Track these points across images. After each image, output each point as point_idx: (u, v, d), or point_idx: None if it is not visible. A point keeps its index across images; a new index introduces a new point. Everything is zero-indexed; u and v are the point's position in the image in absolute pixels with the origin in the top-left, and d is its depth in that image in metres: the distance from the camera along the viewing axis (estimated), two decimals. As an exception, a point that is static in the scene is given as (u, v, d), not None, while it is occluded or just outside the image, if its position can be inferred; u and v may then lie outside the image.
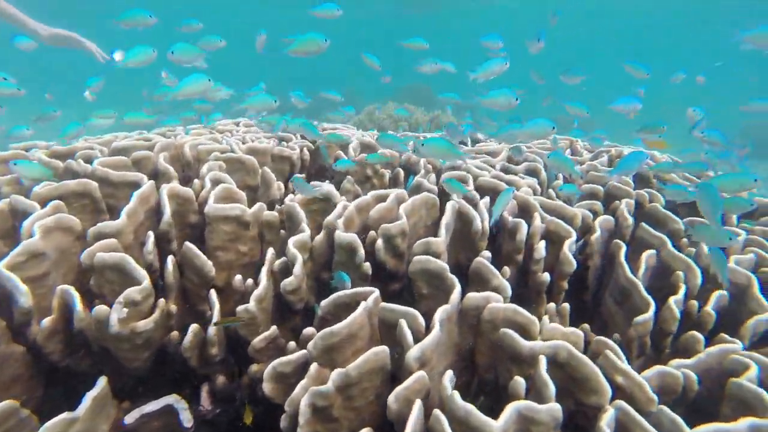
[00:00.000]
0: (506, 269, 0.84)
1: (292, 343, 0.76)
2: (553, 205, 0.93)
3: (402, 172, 1.26)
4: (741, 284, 0.86)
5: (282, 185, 1.11)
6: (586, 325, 0.83)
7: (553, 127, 1.28)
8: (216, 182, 0.92)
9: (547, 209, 0.94)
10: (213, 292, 0.77)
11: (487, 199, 0.90)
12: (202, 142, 1.09)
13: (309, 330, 0.75)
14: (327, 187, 0.96)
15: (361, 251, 0.80)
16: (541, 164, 1.21)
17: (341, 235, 0.80)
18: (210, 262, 0.79)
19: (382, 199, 0.89)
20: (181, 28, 2.01)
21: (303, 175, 1.20)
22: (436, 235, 0.83)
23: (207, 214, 0.82)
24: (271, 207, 1.02)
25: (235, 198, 0.92)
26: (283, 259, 0.82)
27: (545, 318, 0.74)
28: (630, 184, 1.13)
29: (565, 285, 0.82)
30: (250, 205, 0.97)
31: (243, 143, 1.23)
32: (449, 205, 0.84)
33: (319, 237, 0.85)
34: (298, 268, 0.76)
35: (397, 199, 0.89)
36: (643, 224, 0.95)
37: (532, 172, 1.19)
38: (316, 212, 0.95)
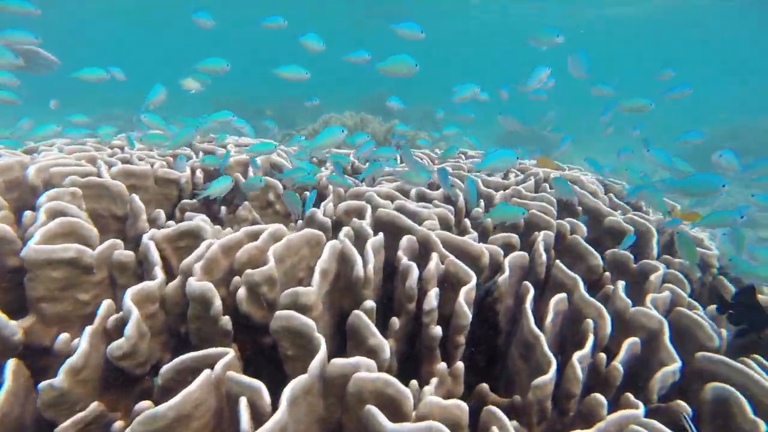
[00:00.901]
0: (395, 321, 0.73)
1: (117, 424, 0.61)
2: (457, 241, 0.83)
3: (313, 195, 1.13)
4: (653, 329, 0.78)
5: (162, 215, 0.95)
6: (485, 386, 0.73)
7: (517, 157, 1.18)
8: (54, 214, 0.76)
9: (451, 246, 0.83)
10: (10, 363, 0.61)
11: (380, 236, 0.78)
12: (62, 163, 0.93)
13: (142, 405, 0.60)
14: (197, 219, 0.81)
15: (217, 303, 0.66)
16: (460, 189, 1.12)
17: (192, 283, 0.66)
18: (12, 324, 0.63)
19: (255, 236, 0.76)
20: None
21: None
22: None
23: (24, 259, 0.67)
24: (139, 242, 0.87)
25: (80, 234, 0.76)
26: (121, 314, 0.67)
27: (427, 387, 0.62)
28: (552, 213, 1.04)
29: (461, 340, 0.71)
30: (121, 239, 0.82)
31: (125, 162, 1.06)
32: (328, 247, 0.72)
33: (174, 284, 0.71)
34: (131, 328, 0.61)
35: (272, 237, 0.75)
36: (558, 263, 0.86)
37: (448, 199, 1.09)
38: (185, 250, 0.80)
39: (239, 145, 1.42)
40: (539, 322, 0.76)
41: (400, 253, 0.78)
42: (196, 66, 1.85)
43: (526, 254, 0.88)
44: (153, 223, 0.96)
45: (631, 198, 1.20)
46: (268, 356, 0.73)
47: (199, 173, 1.09)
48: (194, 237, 0.79)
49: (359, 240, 0.82)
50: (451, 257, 0.77)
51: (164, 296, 0.70)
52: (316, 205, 1.14)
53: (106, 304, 0.66)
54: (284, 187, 1.19)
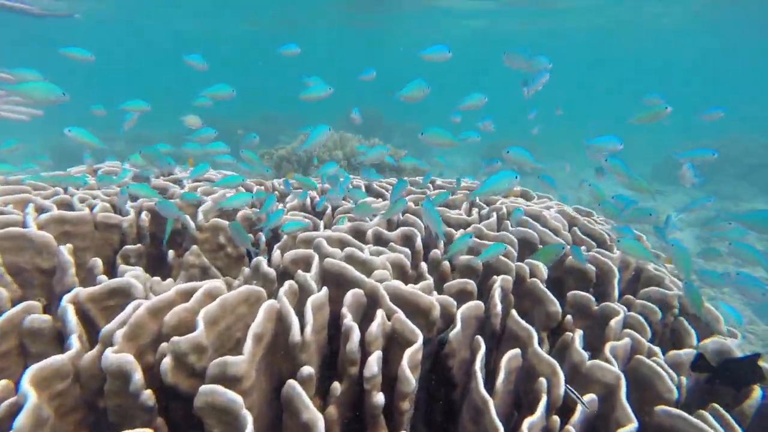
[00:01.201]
0: (336, 387, 0.68)
1: None
2: (407, 293, 0.79)
3: (263, 237, 1.09)
4: (610, 384, 0.75)
5: (99, 265, 0.89)
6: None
7: (517, 177, 1.15)
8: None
9: (400, 299, 0.79)
10: None
11: (322, 292, 0.74)
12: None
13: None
14: (128, 274, 0.76)
15: (137, 377, 0.61)
16: (419, 229, 1.08)
17: (108, 356, 0.60)
18: None
19: (189, 295, 0.71)
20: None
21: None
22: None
23: None
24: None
25: (-7, 296, 0.70)
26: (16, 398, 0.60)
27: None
28: (512, 255, 1.01)
29: (406, 406, 0.67)
30: (46, 296, 0.75)
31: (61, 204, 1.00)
32: (263, 308, 0.67)
33: (91, 354, 0.65)
34: (23, 419, 0.55)
35: (208, 296, 0.70)
36: (513, 313, 0.83)
37: (407, 240, 1.05)
38: (113, 310, 0.74)
39: (199, 181, 1.37)
40: (493, 379, 0.73)
41: (344, 310, 0.73)
42: (202, 93, 1.87)
43: (480, 304, 0.84)
44: (89, 273, 0.90)
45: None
46: (201, 426, 0.68)
47: (144, 215, 1.03)
48: (124, 295, 0.73)
49: (304, 294, 0.77)
50: (398, 314, 0.73)
51: (79, 369, 0.64)
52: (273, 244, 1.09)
53: (1, 385, 0.60)
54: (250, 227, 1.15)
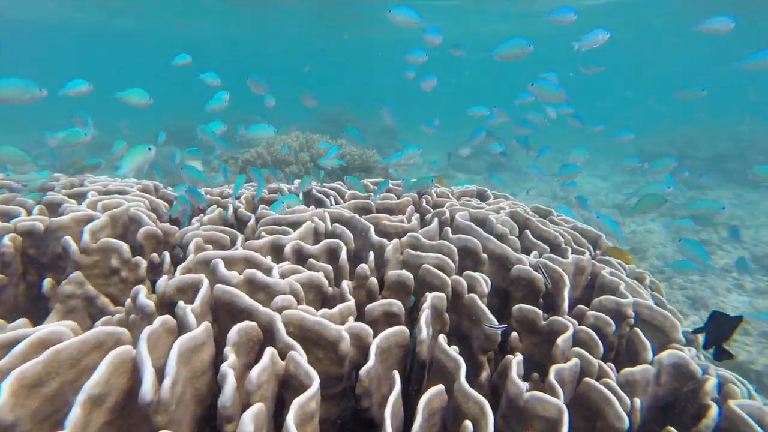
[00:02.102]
0: (206, 452, 0.54)
1: None
2: (311, 323, 0.66)
3: (167, 257, 0.94)
4: (551, 419, 0.63)
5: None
6: None
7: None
8: None
9: (304, 330, 0.66)
10: None
11: (200, 330, 0.60)
12: None
13: None
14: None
15: None
16: (346, 240, 0.96)
17: None
18: None
19: (12, 346, 0.55)
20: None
21: None
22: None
23: None
24: None
25: None
26: None
27: None
28: (450, 268, 0.89)
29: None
30: None
31: None
32: (107, 358, 0.53)
33: None
34: None
35: (40, 346, 0.55)
36: (440, 341, 0.70)
37: (331, 254, 0.92)
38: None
39: (109, 192, 1.21)
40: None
41: (226, 350, 0.60)
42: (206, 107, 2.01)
43: (402, 330, 0.72)
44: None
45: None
46: None
47: (8, 240, 0.87)
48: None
49: (183, 333, 0.63)
50: (292, 353, 0.60)
51: None
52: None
53: None
54: (174, 246, 1.00)
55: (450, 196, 1.49)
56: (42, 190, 1.19)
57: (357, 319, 0.81)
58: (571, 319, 0.84)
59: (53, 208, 1.05)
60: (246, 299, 0.66)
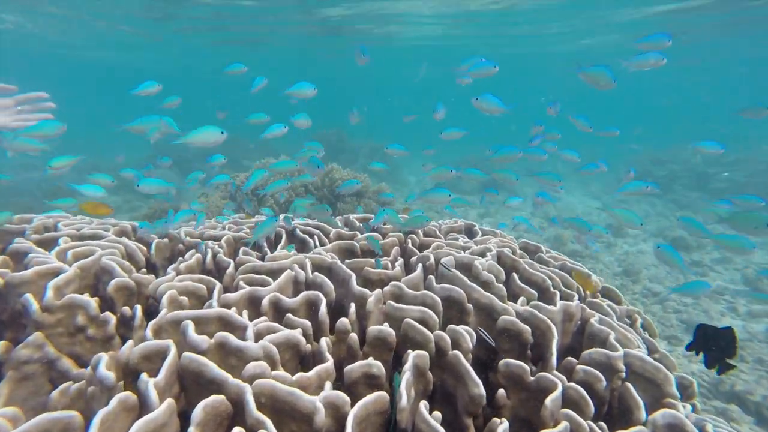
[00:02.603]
0: None
1: None
2: (283, 393, 0.62)
3: (138, 312, 0.89)
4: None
5: None
6: None
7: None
8: None
9: (276, 402, 0.62)
10: None
11: (159, 411, 0.56)
12: None
13: None
14: None
15: None
16: (326, 291, 0.92)
17: None
18: None
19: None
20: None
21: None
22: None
23: None
24: None
25: None
26: None
27: None
28: (433, 322, 0.86)
29: None
30: None
31: None
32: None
33: None
34: None
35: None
36: (421, 410, 0.66)
37: (311, 307, 0.89)
38: None
39: (84, 237, 1.17)
40: None
41: (191, 430, 0.55)
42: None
43: (382, 397, 0.68)
44: None
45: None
46: None
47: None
48: None
49: (145, 412, 0.59)
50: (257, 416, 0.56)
51: None
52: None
53: None
54: (148, 297, 0.95)
55: (437, 232, 1.47)
56: (8, 233, 1.15)
57: (336, 378, 0.77)
58: (560, 375, 0.80)
59: (18, 258, 1.01)
60: (214, 370, 0.62)
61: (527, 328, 0.87)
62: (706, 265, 4.57)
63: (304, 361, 0.80)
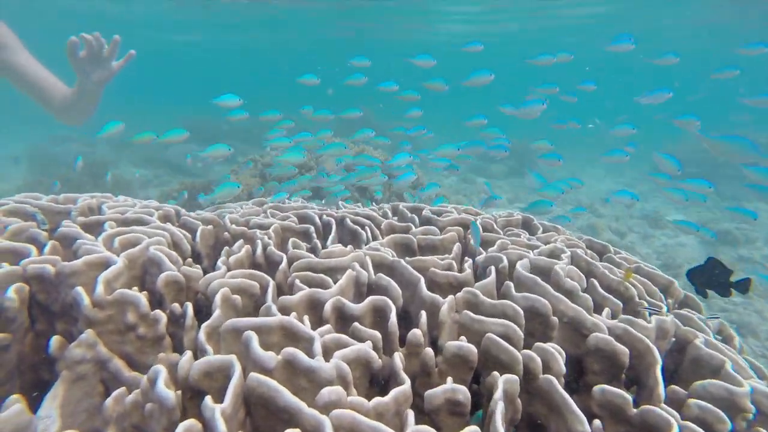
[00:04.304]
0: None
1: None
2: (366, 429, 0.53)
3: (189, 311, 0.82)
4: None
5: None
6: None
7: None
8: None
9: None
10: None
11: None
12: None
13: None
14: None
15: None
16: (394, 296, 0.83)
17: None
18: None
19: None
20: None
21: None
22: None
23: None
24: None
25: None
26: None
27: None
28: (518, 338, 0.75)
29: None
30: None
31: None
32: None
33: None
34: None
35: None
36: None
37: (378, 314, 0.79)
38: None
39: (127, 222, 1.10)
40: None
41: None
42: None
43: (476, 433, 0.59)
44: None
45: None
46: None
47: (13, 293, 0.76)
48: None
49: (209, 440, 0.51)
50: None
51: None
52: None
53: None
54: (196, 293, 0.89)
55: (494, 226, 1.35)
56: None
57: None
58: (671, 410, 0.69)
59: (67, 243, 0.95)
60: (287, 397, 0.54)
61: (624, 350, 0.76)
62: (758, 261, 4.29)
63: (373, 379, 0.71)
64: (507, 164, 8.07)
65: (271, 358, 0.60)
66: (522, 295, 0.84)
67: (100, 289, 0.76)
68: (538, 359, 0.71)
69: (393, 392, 0.63)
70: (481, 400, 0.76)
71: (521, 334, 0.76)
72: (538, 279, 0.88)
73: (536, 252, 1.07)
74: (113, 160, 6.12)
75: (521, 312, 0.80)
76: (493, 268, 0.95)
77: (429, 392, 0.65)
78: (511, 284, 0.88)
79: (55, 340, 0.75)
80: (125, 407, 0.64)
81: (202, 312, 0.89)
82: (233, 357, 0.59)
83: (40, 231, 0.99)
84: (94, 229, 1.05)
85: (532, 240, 1.24)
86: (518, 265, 0.94)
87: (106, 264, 0.83)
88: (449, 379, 0.70)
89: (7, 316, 0.74)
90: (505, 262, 0.97)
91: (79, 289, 0.76)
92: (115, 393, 0.67)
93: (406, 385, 0.65)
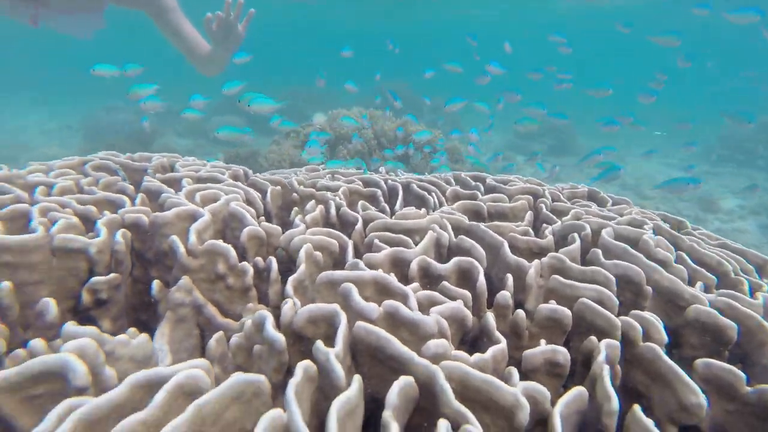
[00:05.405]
0: None
1: None
2: (478, 383, 0.52)
3: (274, 265, 0.84)
4: None
5: (51, 308, 0.67)
6: None
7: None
8: None
9: (468, 390, 0.53)
10: None
11: (353, 389, 0.48)
12: None
13: None
14: (70, 346, 0.52)
15: None
16: (479, 257, 0.81)
17: None
18: None
19: (149, 390, 0.46)
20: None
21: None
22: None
23: None
24: None
25: None
26: None
27: None
28: (613, 305, 0.72)
29: None
30: None
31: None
32: (260, 428, 0.42)
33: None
34: None
35: (179, 393, 0.46)
36: (636, 411, 0.55)
37: (464, 276, 0.78)
38: (43, 401, 0.51)
39: (201, 180, 1.13)
40: None
41: (386, 414, 0.47)
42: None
43: (583, 394, 0.57)
44: (39, 317, 0.67)
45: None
46: None
47: (120, 236, 0.80)
48: (56, 381, 0.50)
49: (326, 383, 0.52)
50: (470, 427, 0.47)
51: None
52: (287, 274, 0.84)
53: None
54: (276, 248, 0.91)
55: (561, 198, 1.29)
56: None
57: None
58: (784, 388, 0.65)
59: (152, 197, 0.98)
60: (398, 346, 0.54)
61: (732, 324, 0.71)
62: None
63: (463, 337, 0.71)
64: (547, 143, 7.77)
65: (373, 309, 0.60)
66: (613, 263, 0.80)
67: (192, 238, 0.78)
68: (638, 326, 0.67)
69: (491, 350, 0.62)
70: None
71: (616, 300, 0.73)
72: (629, 247, 0.83)
73: (615, 222, 1.02)
74: (160, 129, 6.32)
75: (613, 279, 0.77)
76: (575, 235, 0.91)
77: (528, 352, 0.64)
78: (599, 251, 0.84)
79: (156, 284, 0.78)
80: (228, 348, 0.66)
81: (281, 268, 0.91)
82: (337, 306, 0.59)
83: (126, 185, 1.02)
84: (172, 185, 1.08)
85: (603, 211, 1.18)
86: (604, 233, 0.89)
87: (194, 216, 0.85)
88: (542, 342, 0.69)
89: (117, 258, 0.78)
90: (588, 230, 0.93)
91: (175, 237, 0.78)
92: (216, 335, 0.69)
93: (503, 344, 0.64)
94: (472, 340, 0.74)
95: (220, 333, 0.69)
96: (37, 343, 0.57)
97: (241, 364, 0.64)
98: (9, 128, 6.85)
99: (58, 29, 1.52)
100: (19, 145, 5.96)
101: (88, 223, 0.84)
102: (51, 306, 0.66)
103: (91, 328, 0.57)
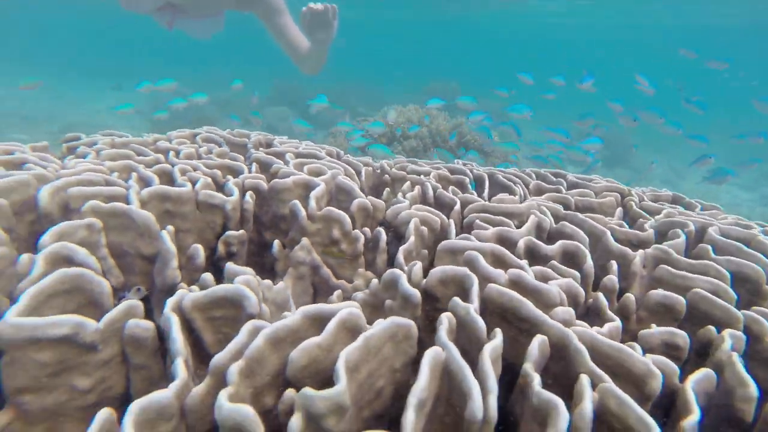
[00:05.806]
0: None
1: None
2: (609, 349, 0.55)
3: (383, 236, 0.89)
4: None
5: (200, 253, 0.75)
6: None
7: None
8: (55, 262, 0.57)
9: (600, 356, 0.55)
10: None
11: (498, 340, 0.52)
12: (85, 180, 0.74)
13: None
14: (239, 280, 0.59)
15: (258, 437, 0.44)
16: (583, 242, 0.82)
17: (222, 406, 0.43)
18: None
19: (319, 322, 0.52)
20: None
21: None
22: (404, 387, 0.47)
23: None
24: (170, 293, 0.67)
25: (86, 291, 0.56)
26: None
27: None
28: (731, 297, 0.72)
29: None
30: (147, 285, 0.63)
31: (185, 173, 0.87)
32: (428, 364, 0.47)
33: (200, 391, 0.49)
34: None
35: (343, 328, 0.52)
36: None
37: (570, 258, 0.80)
38: (221, 322, 0.59)
39: (301, 156, 1.21)
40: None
41: (527, 367, 0.51)
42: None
43: (711, 376, 0.58)
44: (189, 260, 0.76)
45: None
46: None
47: (249, 197, 0.88)
48: (233, 307, 0.57)
49: (464, 334, 0.56)
50: (609, 386, 0.50)
51: (186, 407, 0.48)
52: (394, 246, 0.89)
53: (102, 418, 0.46)
54: (381, 223, 0.97)
55: (645, 199, 1.28)
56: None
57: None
58: None
59: (263, 167, 1.07)
60: (531, 307, 0.57)
61: None
62: None
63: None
64: (601, 153, 7.50)
65: (500, 274, 0.64)
66: (725, 258, 0.80)
67: (312, 204, 0.85)
68: (764, 321, 0.67)
69: (607, 325, 0.64)
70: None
71: (733, 294, 0.73)
72: (743, 246, 0.82)
73: (720, 223, 1.00)
74: (217, 116, 6.64)
75: (727, 274, 0.76)
76: (679, 230, 0.90)
77: (644, 332, 0.65)
78: (709, 246, 0.84)
79: (277, 243, 0.85)
80: (355, 305, 0.72)
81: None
82: (466, 269, 0.63)
83: (237, 155, 1.12)
84: (280, 159, 1.16)
85: (704, 216, 1.16)
86: (711, 231, 0.88)
87: (308, 185, 0.92)
88: (653, 326, 0.70)
89: (245, 216, 0.86)
90: (692, 227, 0.92)
91: (297, 202, 0.85)
92: (337, 291, 0.75)
93: (618, 322, 0.65)
94: (578, 318, 0.76)
95: (338, 291, 0.75)
96: (207, 276, 0.64)
97: (368, 317, 0.70)
98: (86, 110, 7.43)
99: (187, 31, 1.66)
100: (94, 123, 6.46)
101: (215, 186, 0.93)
102: (200, 251, 0.75)
103: (249, 269, 0.64)
